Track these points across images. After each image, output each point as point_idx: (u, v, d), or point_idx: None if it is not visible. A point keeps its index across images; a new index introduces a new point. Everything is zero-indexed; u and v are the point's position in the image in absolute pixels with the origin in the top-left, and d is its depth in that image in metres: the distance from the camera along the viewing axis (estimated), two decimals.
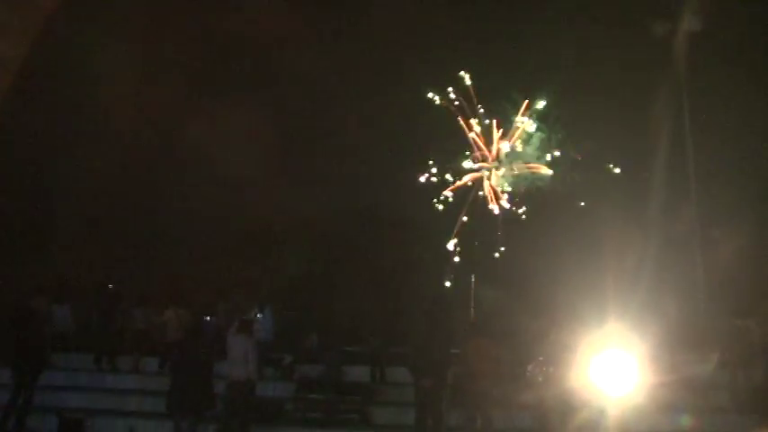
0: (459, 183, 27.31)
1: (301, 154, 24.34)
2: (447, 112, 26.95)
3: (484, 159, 27.82)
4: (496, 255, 24.51)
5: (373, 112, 23.63)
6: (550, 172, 26.43)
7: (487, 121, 27.52)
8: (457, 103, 27.20)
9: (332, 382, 14.18)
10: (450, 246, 25.10)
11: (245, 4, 22.43)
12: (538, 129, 26.92)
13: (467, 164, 27.61)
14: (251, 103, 20.74)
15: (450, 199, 26.59)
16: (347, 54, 24.11)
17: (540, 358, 10.54)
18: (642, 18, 19.96)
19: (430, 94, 26.65)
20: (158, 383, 13.52)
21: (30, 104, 19.96)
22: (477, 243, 25.38)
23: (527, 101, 26.65)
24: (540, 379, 10.32)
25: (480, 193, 27.19)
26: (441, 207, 26.35)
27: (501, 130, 27.49)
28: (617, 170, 24.58)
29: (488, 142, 27.78)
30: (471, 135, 27.74)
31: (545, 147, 26.66)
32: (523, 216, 25.96)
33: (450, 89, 26.92)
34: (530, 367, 10.66)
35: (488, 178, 27.52)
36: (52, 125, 21.07)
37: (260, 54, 21.79)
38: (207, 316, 15.68)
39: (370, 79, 23.97)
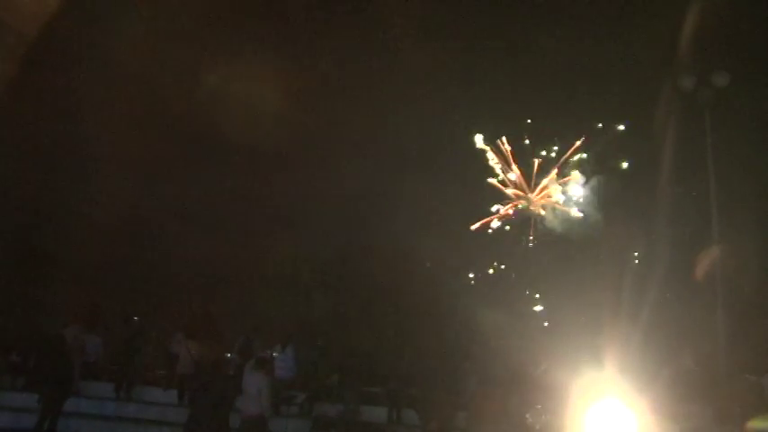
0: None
1: (326, 195, 24.72)
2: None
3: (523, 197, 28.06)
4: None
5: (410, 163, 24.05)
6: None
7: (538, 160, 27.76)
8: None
9: (349, 422, 14.40)
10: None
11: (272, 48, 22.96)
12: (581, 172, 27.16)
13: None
14: (276, 147, 21.22)
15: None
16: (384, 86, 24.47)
17: (538, 406, 10.64)
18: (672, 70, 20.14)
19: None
20: (178, 415, 13.88)
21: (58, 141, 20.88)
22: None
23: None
24: (538, 427, 10.40)
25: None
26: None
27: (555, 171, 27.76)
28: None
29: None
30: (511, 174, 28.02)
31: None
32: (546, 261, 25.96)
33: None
34: (528, 415, 10.74)
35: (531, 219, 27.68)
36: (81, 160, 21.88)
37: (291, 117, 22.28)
38: (228, 353, 16.06)
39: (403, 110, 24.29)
